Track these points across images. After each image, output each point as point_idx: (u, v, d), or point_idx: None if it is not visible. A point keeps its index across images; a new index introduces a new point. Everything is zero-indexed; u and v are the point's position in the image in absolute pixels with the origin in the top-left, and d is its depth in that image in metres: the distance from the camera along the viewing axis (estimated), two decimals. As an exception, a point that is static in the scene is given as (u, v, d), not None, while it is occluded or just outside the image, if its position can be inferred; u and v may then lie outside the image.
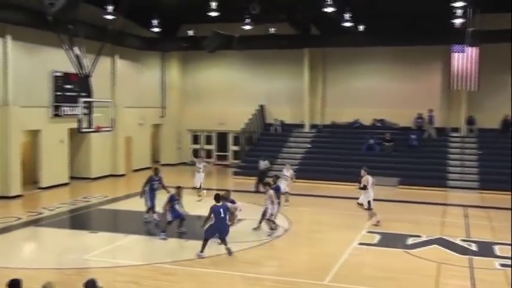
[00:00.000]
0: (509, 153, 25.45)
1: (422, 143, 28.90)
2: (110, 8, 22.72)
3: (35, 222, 18.19)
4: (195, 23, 30.42)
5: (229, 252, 13.99)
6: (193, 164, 23.95)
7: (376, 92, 31.07)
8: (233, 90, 33.59)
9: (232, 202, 16.50)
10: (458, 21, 23.92)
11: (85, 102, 20.31)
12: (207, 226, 14.22)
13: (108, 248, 15.13)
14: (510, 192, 21.77)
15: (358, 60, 31.27)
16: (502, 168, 25.43)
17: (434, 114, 29.41)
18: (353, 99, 31.44)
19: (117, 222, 19.30)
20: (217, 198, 14.51)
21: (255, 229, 16.68)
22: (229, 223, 14.97)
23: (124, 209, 20.29)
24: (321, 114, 32.35)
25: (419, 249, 15.07)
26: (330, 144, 30.22)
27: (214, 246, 14.67)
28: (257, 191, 22.80)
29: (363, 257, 14.47)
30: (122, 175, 29.20)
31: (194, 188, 22.22)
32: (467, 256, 14.47)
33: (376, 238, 16.28)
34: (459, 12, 22.77)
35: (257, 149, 30.26)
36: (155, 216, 17.60)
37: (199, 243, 14.10)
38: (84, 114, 20.29)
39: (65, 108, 25.29)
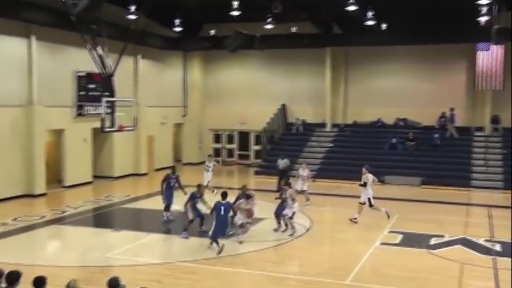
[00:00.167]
0: (534, 153, 25.08)
1: (446, 142, 28.60)
2: (133, 8, 22.89)
3: (59, 221, 18.41)
4: (217, 22, 30.49)
5: (219, 251, 13.96)
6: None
7: (399, 91, 30.82)
8: (255, 90, 33.60)
9: (248, 197, 16.40)
10: (483, 19, 23.59)
11: (108, 101, 20.48)
12: (212, 228, 14.30)
13: (131, 246, 15.23)
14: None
15: (381, 59, 31.05)
16: (527, 168, 25.07)
17: (455, 113, 29.06)
18: (375, 98, 31.23)
19: (139, 221, 19.44)
20: (223, 195, 14.71)
21: (275, 230, 16.52)
22: (246, 220, 15.03)
23: (146, 208, 20.42)
24: (342, 113, 32.23)
25: (442, 249, 14.93)
26: (351, 144, 30.06)
27: (234, 246, 14.72)
28: (279, 190, 22.74)
29: (384, 257, 14.35)
30: (144, 174, 29.40)
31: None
32: (490, 256, 14.27)
33: (399, 238, 16.14)
34: (484, 9, 22.47)
35: (279, 148, 30.21)
36: (168, 214, 17.80)
37: (220, 242, 14.09)
38: (107, 113, 20.46)
39: (88, 107, 25.55)
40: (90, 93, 25.57)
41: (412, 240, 15.91)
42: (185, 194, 17.04)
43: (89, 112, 25.56)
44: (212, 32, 30.79)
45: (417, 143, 28.70)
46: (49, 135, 24.70)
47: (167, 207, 17.84)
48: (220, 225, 14.35)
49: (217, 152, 35.12)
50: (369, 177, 18.15)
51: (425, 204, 21.95)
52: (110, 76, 20.77)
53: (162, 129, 32.11)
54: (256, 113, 32.56)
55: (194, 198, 15.92)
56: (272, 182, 24.46)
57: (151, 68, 31.19)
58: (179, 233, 15.79)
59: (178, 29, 29.02)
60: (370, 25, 25.51)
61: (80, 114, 25.29)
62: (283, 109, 33.03)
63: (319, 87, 32.06)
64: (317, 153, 29.89)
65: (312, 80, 32.53)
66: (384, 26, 27.32)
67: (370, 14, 24.60)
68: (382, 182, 17.93)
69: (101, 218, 19.77)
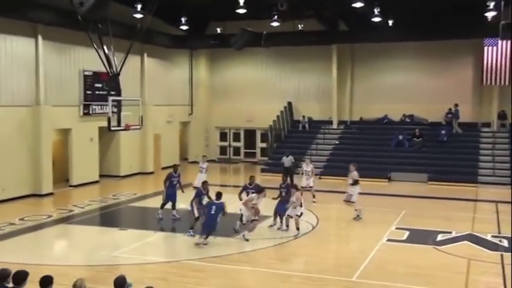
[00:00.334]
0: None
1: (452, 139, 28.50)
2: (139, 7, 22.93)
3: (66, 220, 18.48)
4: (223, 20, 30.50)
5: (199, 244, 14.44)
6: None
7: (406, 87, 30.74)
8: (261, 88, 33.60)
9: (260, 191, 16.30)
10: (490, 14, 23.46)
11: (114, 100, 20.52)
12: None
13: (137, 245, 15.27)
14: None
15: (387, 55, 30.98)
16: (535, 163, 24.96)
17: (459, 109, 28.93)
18: (382, 95, 31.17)
19: (146, 220, 19.47)
20: (217, 195, 14.92)
21: (280, 230, 16.38)
22: (254, 217, 15.03)
23: (153, 207, 20.42)
24: (349, 110, 32.18)
25: (449, 245, 14.90)
26: (358, 141, 30.03)
27: (239, 244, 14.74)
28: (280, 187, 22.71)
29: (391, 254, 14.33)
30: (151, 173, 29.44)
31: (195, 187, 21.05)
32: (498, 252, 14.23)
33: (405, 234, 16.12)
34: (491, 5, 22.35)
35: (285, 146, 30.20)
36: (174, 212, 17.98)
37: (227, 239, 14.18)
38: (114, 112, 20.51)
39: (95, 106, 25.62)
40: (96, 93, 25.64)
41: (418, 236, 15.89)
42: (183, 192, 17.77)
43: (95, 111, 25.63)
44: (218, 30, 30.81)
45: (424, 139, 28.62)
46: (56, 134, 24.80)
47: (172, 206, 18.02)
48: (207, 223, 14.61)
49: (223, 150, 35.21)
50: (356, 175, 18.38)
51: (432, 201, 21.92)
52: (117, 75, 20.79)
53: (169, 127, 32.16)
54: (263, 111, 32.55)
55: (200, 195, 15.97)
56: (278, 179, 24.31)
57: (158, 67, 31.24)
58: (185, 231, 15.81)
59: (184, 27, 29.05)
60: (376, 21, 25.44)
61: (86, 114, 25.37)
62: (289, 107, 33.00)
63: (325, 85, 32.05)
64: (323, 151, 29.87)
65: (318, 77, 32.51)
66: (390, 22, 27.23)
67: (376, 10, 24.52)
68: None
69: (108, 217, 19.84)
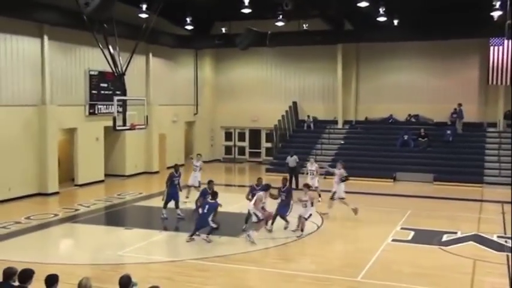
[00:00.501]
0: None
1: (458, 139, 28.42)
2: (144, 7, 22.97)
3: (72, 219, 18.53)
4: (228, 20, 30.50)
5: (189, 240, 14.97)
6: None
7: (411, 87, 30.69)
8: (266, 87, 33.63)
9: (266, 189, 16.23)
10: (496, 14, 23.38)
11: (119, 100, 20.58)
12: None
13: (143, 244, 15.31)
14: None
15: (393, 55, 30.94)
16: (541, 163, 24.84)
17: (463, 109, 28.85)
18: (387, 94, 31.14)
19: (151, 219, 19.48)
20: (212, 195, 15.14)
21: (294, 232, 16.04)
22: (262, 217, 15.02)
23: (158, 206, 20.40)
24: (354, 110, 32.15)
25: (454, 245, 14.86)
26: (363, 141, 30.00)
27: (244, 243, 14.76)
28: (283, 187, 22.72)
29: (396, 254, 14.31)
30: (156, 172, 29.49)
31: (192, 186, 21.09)
32: (504, 253, 14.18)
33: (411, 235, 16.09)
34: (497, 4, 22.28)
35: (290, 145, 30.19)
36: (178, 211, 18.16)
37: (232, 239, 14.18)
38: (119, 112, 20.58)
39: (100, 106, 25.69)
40: (102, 92, 25.71)
41: (424, 236, 15.86)
42: (180, 191, 18.47)
43: (101, 111, 25.70)
44: (223, 29, 30.82)
45: (429, 139, 28.56)
46: (62, 134, 24.88)
47: (175, 205, 18.21)
48: (198, 221, 14.91)
49: (228, 150, 35.24)
50: (342, 173, 18.86)
51: (438, 201, 21.87)
52: (122, 75, 20.88)
53: (174, 127, 32.20)
54: (268, 111, 32.56)
55: (205, 195, 16.00)
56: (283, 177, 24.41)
57: (163, 67, 31.30)
58: (190, 231, 15.81)
59: (189, 27, 29.08)
60: (381, 21, 25.41)
61: (92, 113, 25.43)
62: (294, 106, 32.99)
63: (330, 84, 32.06)
64: (328, 150, 29.84)
65: (323, 77, 32.50)
66: (395, 21, 27.17)
67: (381, 9, 24.49)
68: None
69: (113, 216, 19.89)
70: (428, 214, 19.09)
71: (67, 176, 24.90)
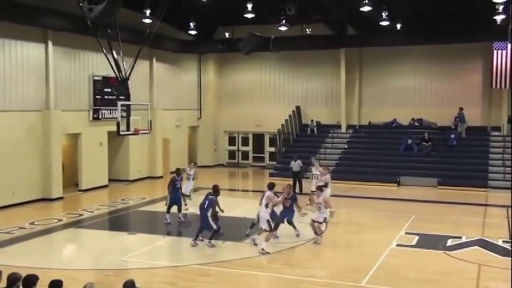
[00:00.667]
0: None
1: (462, 143, 28.37)
2: (148, 12, 23.02)
3: (75, 224, 18.54)
4: (231, 25, 30.54)
5: (193, 244, 14.94)
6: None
7: (414, 91, 30.70)
8: (269, 92, 33.67)
9: (272, 187, 16.04)
10: (499, 18, 23.37)
11: (123, 105, 20.60)
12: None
13: (146, 249, 15.30)
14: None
15: (396, 59, 30.94)
16: (546, 167, 24.76)
17: (464, 112, 28.81)
18: (391, 99, 31.15)
19: (155, 224, 19.50)
20: (214, 191, 15.13)
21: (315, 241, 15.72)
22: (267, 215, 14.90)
23: (161, 211, 20.42)
24: (357, 114, 32.13)
25: (459, 250, 14.81)
26: (367, 145, 29.96)
27: (247, 248, 14.73)
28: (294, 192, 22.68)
29: (401, 259, 14.26)
30: (160, 177, 29.50)
31: (183, 194, 20.43)
32: (509, 258, 14.09)
33: (415, 239, 16.04)
34: (500, 8, 22.25)
35: (293, 150, 30.17)
36: (180, 215, 18.23)
37: (236, 244, 14.14)
38: (123, 117, 20.61)
39: (104, 111, 25.73)
40: (106, 97, 25.76)
41: (428, 241, 15.80)
42: (183, 195, 18.66)
43: (104, 116, 25.74)
44: (226, 34, 30.86)
45: (433, 143, 28.51)
46: (66, 139, 24.92)
47: (178, 209, 18.26)
48: (201, 219, 14.99)
49: (232, 154, 35.25)
50: (328, 178, 19.02)
51: (442, 205, 21.80)
52: (126, 80, 20.90)
53: (177, 132, 32.25)
54: (271, 115, 32.58)
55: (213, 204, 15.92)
56: (287, 183, 24.36)
57: (166, 71, 31.36)
58: (193, 236, 15.80)
59: (192, 32, 29.14)
60: (384, 25, 25.39)
61: (96, 118, 25.47)
62: (297, 111, 32.99)
63: (333, 89, 32.08)
64: (332, 155, 29.83)
65: (326, 82, 32.51)
66: (398, 26, 27.15)
67: (384, 14, 24.48)
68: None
69: (117, 221, 19.89)
70: (432, 219, 19.03)
71: (71, 181, 24.94)
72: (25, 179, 21.80)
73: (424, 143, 28.63)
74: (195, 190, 21.18)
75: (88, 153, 25.14)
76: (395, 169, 27.45)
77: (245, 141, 35.09)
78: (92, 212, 20.40)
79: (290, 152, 29.88)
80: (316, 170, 21.39)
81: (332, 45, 30.16)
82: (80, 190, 24.87)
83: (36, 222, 18.32)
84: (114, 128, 21.15)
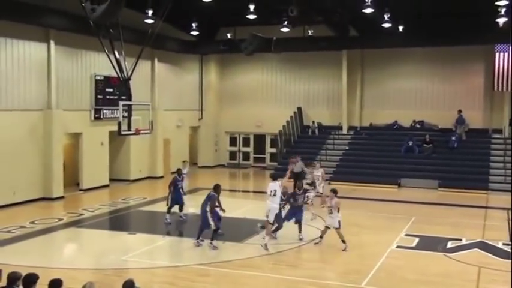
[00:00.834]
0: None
1: (463, 145, 28.35)
2: (150, 12, 23.05)
3: (76, 223, 18.55)
4: (233, 26, 30.55)
5: (197, 245, 14.92)
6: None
7: (416, 93, 30.70)
8: (271, 93, 33.69)
9: (275, 178, 16.03)
10: (501, 20, 23.36)
11: (124, 105, 20.63)
12: None
13: (146, 249, 15.30)
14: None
15: (397, 61, 30.94)
16: (547, 170, 24.74)
17: (463, 115, 28.81)
18: (392, 100, 31.15)
19: (155, 224, 19.50)
20: (214, 188, 15.15)
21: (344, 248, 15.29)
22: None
23: (162, 211, 20.43)
24: (359, 116, 32.13)
25: (459, 252, 14.81)
26: (368, 146, 29.96)
27: (248, 249, 14.73)
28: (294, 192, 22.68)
29: (401, 261, 14.25)
30: (161, 177, 29.51)
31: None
32: (509, 260, 14.08)
33: (415, 241, 16.03)
34: (502, 10, 22.25)
35: (294, 151, 30.11)
36: (181, 214, 18.30)
37: (236, 244, 14.14)
38: (124, 117, 20.63)
39: (106, 111, 25.74)
40: (107, 97, 25.77)
41: (428, 243, 15.80)
42: (185, 195, 18.61)
43: (106, 116, 25.75)
44: (228, 35, 30.88)
45: (434, 145, 28.50)
46: (67, 138, 24.94)
47: (179, 208, 18.29)
48: (201, 216, 14.99)
49: (233, 155, 35.26)
50: (317, 176, 19.67)
51: (443, 207, 21.81)
52: (127, 80, 20.93)
53: (179, 132, 32.26)
54: (272, 116, 32.58)
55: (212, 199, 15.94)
56: (288, 185, 24.36)
57: (168, 72, 31.37)
58: (194, 236, 15.80)
59: (194, 33, 29.17)
60: (386, 27, 25.41)
61: (97, 118, 25.48)
62: (299, 112, 33.00)
63: (335, 90, 32.09)
64: (333, 156, 29.83)
65: (327, 83, 32.52)
66: (400, 28, 27.16)
67: (386, 16, 24.50)
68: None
69: (117, 221, 19.90)
70: (433, 221, 19.02)
71: (72, 180, 24.96)
72: (26, 178, 21.81)
73: (425, 145, 28.62)
74: (195, 190, 21.20)
75: (89, 152, 25.15)
76: (396, 171, 27.45)
77: (246, 142, 35.10)
78: (92, 211, 20.40)
79: (291, 153, 29.79)
80: (317, 172, 21.38)
81: (334, 46, 30.17)
82: (80, 189, 24.88)
83: (36, 222, 18.33)
84: (115, 128, 21.20)
